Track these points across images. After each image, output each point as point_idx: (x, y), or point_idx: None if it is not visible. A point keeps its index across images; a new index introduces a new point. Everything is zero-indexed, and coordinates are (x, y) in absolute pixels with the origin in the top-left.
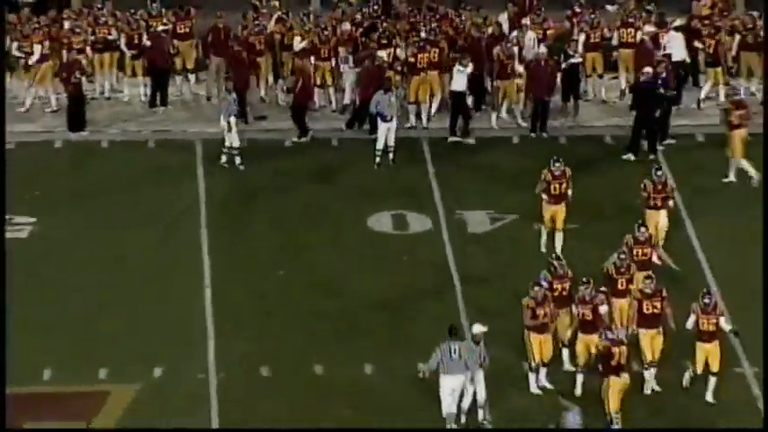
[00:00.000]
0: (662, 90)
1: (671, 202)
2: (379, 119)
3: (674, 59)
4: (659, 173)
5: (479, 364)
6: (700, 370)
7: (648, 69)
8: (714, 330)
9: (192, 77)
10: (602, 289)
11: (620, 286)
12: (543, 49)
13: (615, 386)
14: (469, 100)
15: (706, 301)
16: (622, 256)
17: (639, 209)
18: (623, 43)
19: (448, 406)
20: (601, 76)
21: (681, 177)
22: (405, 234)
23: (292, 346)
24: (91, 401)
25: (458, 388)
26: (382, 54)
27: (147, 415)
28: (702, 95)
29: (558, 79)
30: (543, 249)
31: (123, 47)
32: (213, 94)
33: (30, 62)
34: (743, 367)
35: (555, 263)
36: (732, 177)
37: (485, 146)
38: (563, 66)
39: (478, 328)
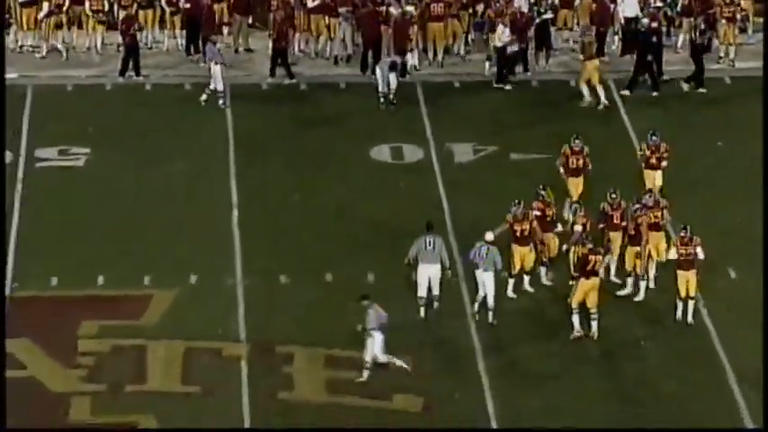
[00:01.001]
0: (654, 38)
1: (664, 163)
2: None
3: (627, 16)
4: (654, 137)
5: (494, 270)
6: (683, 294)
7: (646, 21)
8: (692, 259)
9: (225, 30)
10: (601, 225)
11: (615, 220)
12: (523, 2)
13: (583, 286)
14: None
15: (682, 234)
16: (614, 195)
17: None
18: None
19: (420, 290)
20: (571, 29)
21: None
22: (401, 163)
23: (306, 258)
24: (137, 303)
25: (433, 275)
26: (410, 9)
27: (185, 315)
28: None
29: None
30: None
31: (164, 4)
32: (238, 46)
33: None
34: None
35: (542, 192)
36: (588, 99)
37: (471, 89)
38: (537, 20)
39: (489, 236)
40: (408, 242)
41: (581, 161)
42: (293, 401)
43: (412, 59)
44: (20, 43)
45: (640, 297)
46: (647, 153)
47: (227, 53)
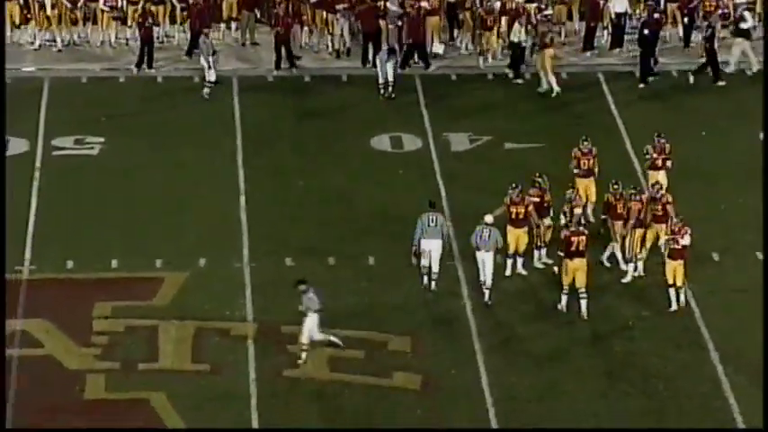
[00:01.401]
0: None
1: (669, 163)
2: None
3: (617, 11)
4: (661, 139)
5: (495, 249)
6: (670, 281)
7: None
8: (680, 249)
9: (233, 25)
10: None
11: (618, 210)
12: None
13: (568, 266)
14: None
15: (674, 223)
16: (616, 186)
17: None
18: None
19: (424, 260)
20: (563, 24)
21: None
22: (400, 152)
23: (310, 242)
24: (149, 285)
25: (434, 250)
26: (425, 4)
27: (194, 297)
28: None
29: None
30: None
31: (174, 0)
32: (246, 40)
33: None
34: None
35: (539, 180)
36: (545, 86)
37: (467, 82)
38: (539, 18)
39: (489, 218)
40: (407, 227)
41: (591, 161)
42: (298, 379)
43: (436, 48)
44: (37, 38)
45: (627, 279)
46: (654, 155)
47: (234, 47)
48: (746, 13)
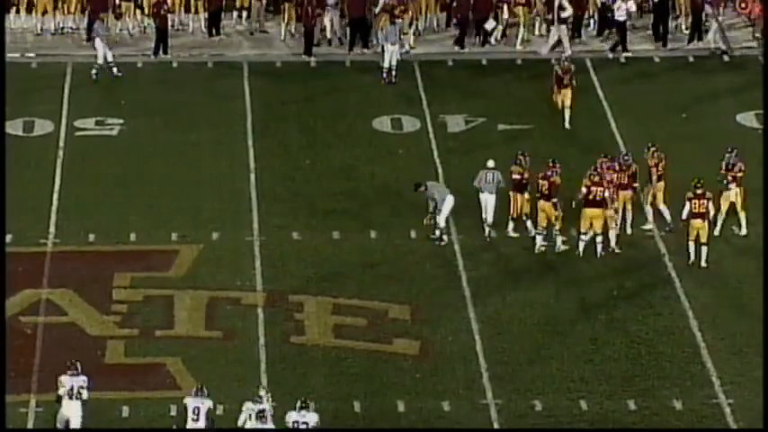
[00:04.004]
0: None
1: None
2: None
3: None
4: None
5: (496, 190)
6: (693, 239)
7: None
8: (704, 212)
9: (244, 14)
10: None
11: (622, 181)
12: None
13: (586, 213)
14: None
15: (697, 189)
16: (626, 158)
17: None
18: None
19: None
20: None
21: None
22: (400, 133)
23: (316, 216)
24: (165, 257)
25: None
26: None
27: (208, 268)
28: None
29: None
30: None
31: None
32: (255, 29)
33: None
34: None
35: (521, 158)
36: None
37: (462, 67)
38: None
39: (491, 163)
40: (407, 203)
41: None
42: (304, 345)
43: (489, 24)
44: (61, 25)
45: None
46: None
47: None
48: (565, 2)
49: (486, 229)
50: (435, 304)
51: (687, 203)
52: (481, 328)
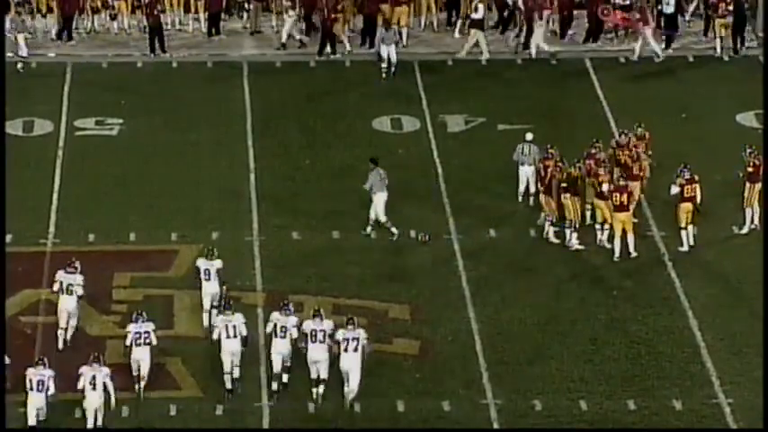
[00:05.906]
0: None
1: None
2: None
3: None
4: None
5: (533, 161)
6: (682, 223)
7: None
8: (693, 195)
9: (244, 15)
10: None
11: (634, 171)
12: None
13: (599, 204)
14: None
15: (686, 174)
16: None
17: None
18: None
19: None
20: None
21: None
22: (400, 132)
23: (315, 216)
24: (165, 257)
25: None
26: None
27: None
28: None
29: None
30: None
31: None
32: (253, 29)
33: None
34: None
35: (551, 151)
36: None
37: (462, 67)
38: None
39: (530, 135)
40: (408, 203)
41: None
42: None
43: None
44: (60, 27)
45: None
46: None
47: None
48: (480, 5)
49: (530, 199)
50: (435, 304)
51: (679, 188)
52: (481, 327)
